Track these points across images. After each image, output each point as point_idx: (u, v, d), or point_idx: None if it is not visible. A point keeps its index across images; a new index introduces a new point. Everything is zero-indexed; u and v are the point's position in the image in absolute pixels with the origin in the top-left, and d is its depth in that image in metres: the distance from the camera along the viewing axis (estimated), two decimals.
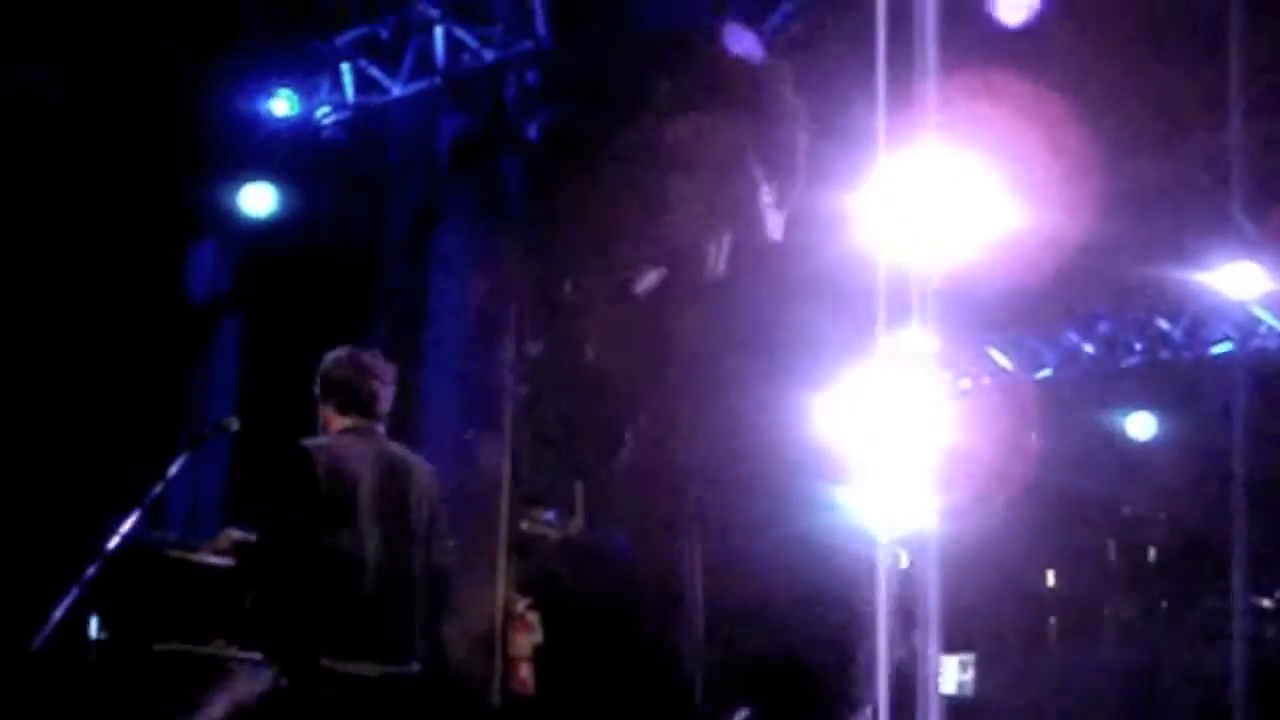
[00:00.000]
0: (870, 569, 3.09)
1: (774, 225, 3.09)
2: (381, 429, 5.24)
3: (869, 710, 3.09)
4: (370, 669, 4.93)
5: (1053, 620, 9.97)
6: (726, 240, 3.01)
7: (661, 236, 3.11)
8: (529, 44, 8.16)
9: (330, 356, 5.35)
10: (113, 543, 5.19)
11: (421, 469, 5.26)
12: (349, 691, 4.89)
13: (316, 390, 5.28)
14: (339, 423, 5.20)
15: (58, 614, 4.98)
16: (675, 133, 3.03)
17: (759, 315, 3.04)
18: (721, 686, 3.08)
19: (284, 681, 4.91)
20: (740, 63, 3.07)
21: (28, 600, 5.10)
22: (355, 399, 5.19)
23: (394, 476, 5.15)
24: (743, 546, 2.95)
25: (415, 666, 5.02)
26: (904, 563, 9.62)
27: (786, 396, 2.99)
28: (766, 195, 3.04)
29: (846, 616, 3.05)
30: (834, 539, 3.02)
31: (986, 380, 12.03)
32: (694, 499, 2.99)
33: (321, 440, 5.14)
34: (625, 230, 3.42)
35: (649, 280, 3.12)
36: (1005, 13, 6.85)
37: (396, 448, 5.26)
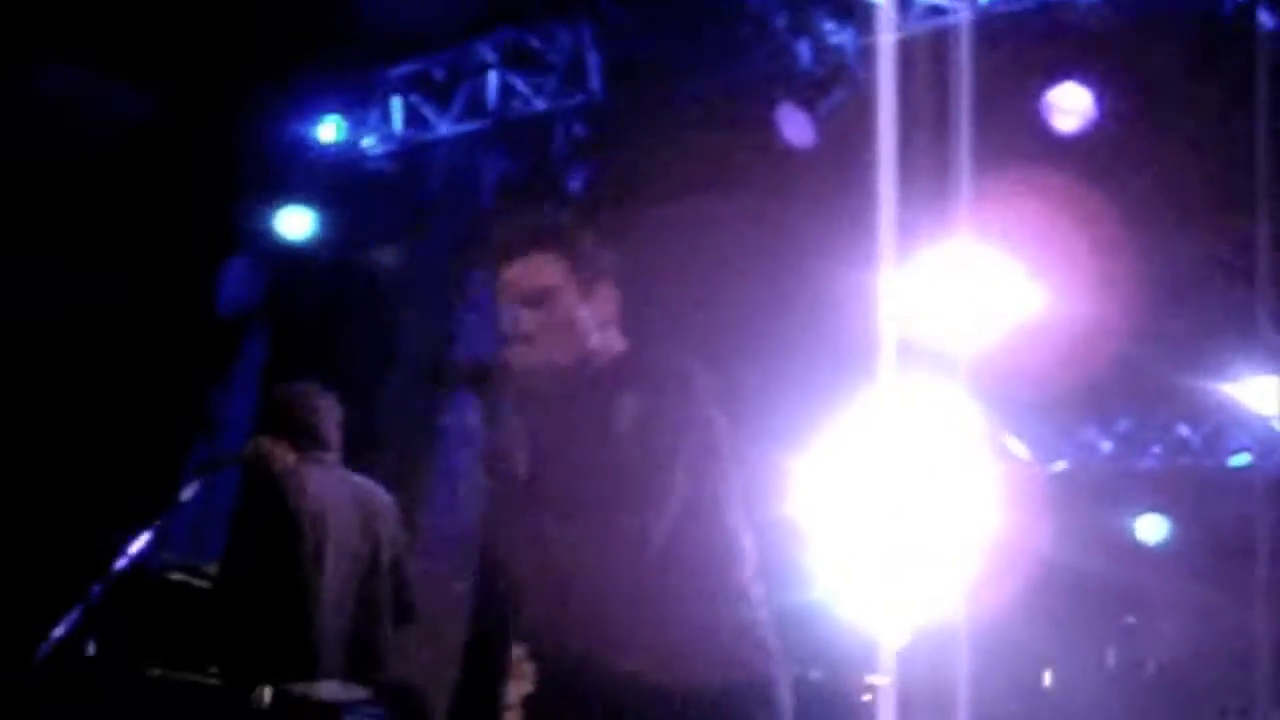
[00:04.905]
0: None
1: None
2: (336, 459, 5.26)
3: None
4: (329, 693, 4.98)
5: None
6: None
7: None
8: (581, 97, 8.20)
9: (278, 393, 5.40)
10: (119, 564, 5.19)
11: (385, 502, 5.30)
12: (318, 715, 4.92)
13: (262, 425, 5.29)
14: (292, 457, 5.20)
15: (59, 632, 4.98)
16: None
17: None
18: None
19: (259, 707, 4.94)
20: None
21: (35, 614, 5.10)
22: (307, 433, 5.21)
23: (361, 509, 5.18)
24: None
25: (370, 691, 5.08)
26: (901, 642, 9.54)
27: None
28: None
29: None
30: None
31: (1001, 468, 11.99)
32: None
33: (293, 471, 5.14)
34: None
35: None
36: (1059, 119, 6.88)
37: (360, 479, 5.29)
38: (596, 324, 3.26)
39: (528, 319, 3.20)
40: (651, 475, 3.04)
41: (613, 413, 3.09)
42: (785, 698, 3.16)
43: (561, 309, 3.22)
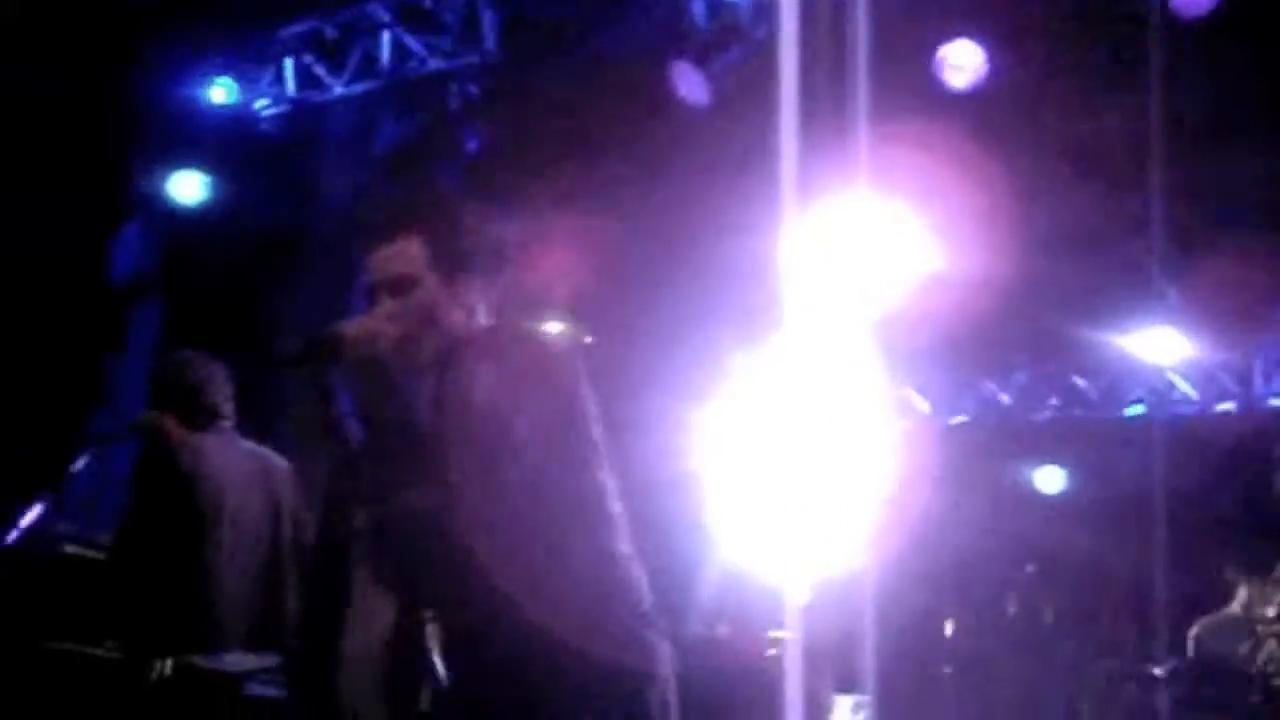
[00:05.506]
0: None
1: None
2: (230, 427, 5.22)
3: None
4: (231, 663, 4.97)
5: (948, 670, 10.05)
6: None
7: None
8: (476, 57, 8.15)
9: (164, 364, 5.35)
10: (11, 536, 5.11)
11: (283, 468, 5.27)
12: (217, 686, 4.91)
13: (152, 399, 5.24)
14: (184, 430, 5.16)
15: None
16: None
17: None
18: None
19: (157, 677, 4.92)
20: None
21: None
22: (196, 403, 5.17)
23: (260, 476, 5.16)
24: None
25: (273, 659, 5.08)
26: (805, 596, 9.61)
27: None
28: None
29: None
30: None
31: (902, 422, 12.10)
32: None
33: (187, 441, 5.10)
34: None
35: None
36: (951, 76, 6.92)
37: (257, 449, 5.26)
38: (460, 309, 3.22)
39: (387, 304, 3.17)
40: (493, 443, 3.03)
41: (469, 386, 3.08)
42: (658, 671, 3.13)
43: (422, 297, 3.19)
